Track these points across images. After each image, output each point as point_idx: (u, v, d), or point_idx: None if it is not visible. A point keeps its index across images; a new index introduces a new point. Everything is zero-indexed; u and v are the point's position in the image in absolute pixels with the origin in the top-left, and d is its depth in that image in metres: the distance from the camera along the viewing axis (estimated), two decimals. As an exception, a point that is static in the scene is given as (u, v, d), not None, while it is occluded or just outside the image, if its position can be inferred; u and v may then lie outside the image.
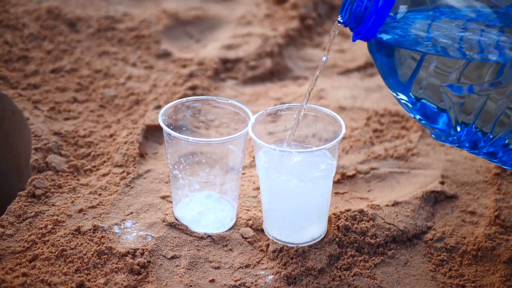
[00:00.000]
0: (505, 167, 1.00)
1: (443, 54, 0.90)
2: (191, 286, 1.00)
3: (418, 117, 0.96)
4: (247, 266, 1.03)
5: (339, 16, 0.93)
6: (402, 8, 0.90)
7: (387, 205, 1.12)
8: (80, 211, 1.10)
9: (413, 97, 0.94)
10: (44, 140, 1.23)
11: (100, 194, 1.14)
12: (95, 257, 1.02)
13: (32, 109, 1.31)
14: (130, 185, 1.16)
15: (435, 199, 1.15)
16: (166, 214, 1.10)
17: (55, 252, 1.02)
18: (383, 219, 1.09)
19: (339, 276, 1.02)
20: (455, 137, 0.95)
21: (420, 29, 0.90)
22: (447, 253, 1.06)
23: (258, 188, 1.16)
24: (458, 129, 0.94)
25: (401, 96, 0.96)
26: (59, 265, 1.01)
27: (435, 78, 0.92)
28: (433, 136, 0.98)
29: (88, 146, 1.25)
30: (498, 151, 0.95)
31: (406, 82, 0.93)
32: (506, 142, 0.94)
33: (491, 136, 0.94)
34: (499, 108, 0.91)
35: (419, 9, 0.90)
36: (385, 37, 0.92)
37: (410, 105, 0.95)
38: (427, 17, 0.90)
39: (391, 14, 0.90)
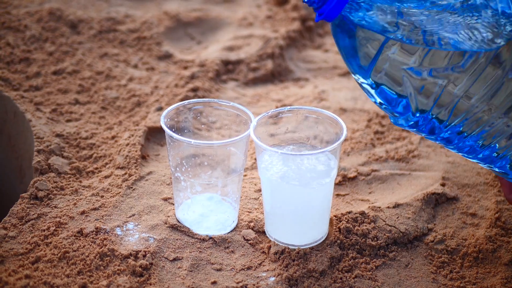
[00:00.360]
0: (461, 154, 1.00)
1: (408, 42, 0.90)
2: (193, 288, 1.00)
3: (379, 101, 0.96)
4: (248, 268, 1.04)
5: None
6: None
7: (388, 207, 1.13)
8: (83, 213, 1.10)
9: (373, 82, 0.94)
10: (46, 142, 1.23)
11: (102, 196, 1.14)
12: (97, 259, 1.02)
13: (34, 111, 1.31)
14: (132, 187, 1.16)
15: (436, 201, 1.15)
16: (168, 216, 1.10)
17: (57, 254, 1.03)
18: (384, 221, 1.09)
19: (341, 278, 1.02)
20: (413, 122, 0.96)
21: (387, 14, 0.90)
22: (448, 255, 1.07)
23: (259, 190, 1.17)
24: (417, 114, 0.95)
25: (362, 80, 0.96)
26: (62, 267, 1.01)
27: (396, 62, 0.92)
28: (392, 120, 0.98)
29: (90, 148, 1.25)
30: (454, 138, 0.96)
31: (367, 66, 0.93)
32: (461, 129, 0.95)
33: (446, 123, 0.95)
34: (455, 96, 0.92)
35: None
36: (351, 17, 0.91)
37: (371, 89, 0.96)
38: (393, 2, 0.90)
39: None
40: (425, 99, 0.93)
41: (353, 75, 0.97)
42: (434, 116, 0.95)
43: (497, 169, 1.00)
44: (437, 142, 1.00)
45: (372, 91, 0.96)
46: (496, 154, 0.97)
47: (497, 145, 0.96)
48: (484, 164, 1.00)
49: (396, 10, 0.91)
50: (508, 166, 0.99)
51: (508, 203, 1.14)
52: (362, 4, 0.91)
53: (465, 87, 0.92)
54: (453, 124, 0.95)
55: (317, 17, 0.91)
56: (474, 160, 1.01)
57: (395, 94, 0.94)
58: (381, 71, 0.93)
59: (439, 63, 0.91)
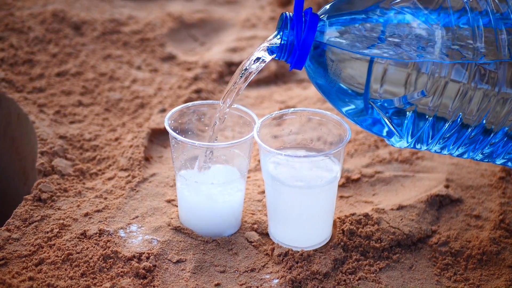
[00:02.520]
0: (478, 156, 1.01)
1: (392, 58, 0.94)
2: (196, 290, 1.00)
3: (385, 130, 0.99)
4: (252, 270, 1.04)
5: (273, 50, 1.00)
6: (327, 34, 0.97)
7: (392, 209, 1.12)
8: (86, 215, 1.10)
9: (370, 103, 0.97)
10: (49, 143, 1.23)
11: (105, 198, 1.14)
12: (101, 261, 1.02)
13: (37, 113, 1.31)
14: (135, 189, 1.16)
15: (440, 203, 1.15)
16: (172, 218, 1.10)
17: (61, 256, 1.03)
18: (388, 223, 1.09)
19: (344, 280, 1.02)
20: (417, 136, 0.98)
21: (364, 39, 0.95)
22: (452, 257, 1.07)
23: (263, 192, 1.17)
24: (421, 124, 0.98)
25: (360, 116, 1.00)
26: (65, 269, 1.01)
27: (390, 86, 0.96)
28: (392, 143, 1.01)
29: (94, 149, 1.25)
30: (458, 133, 0.98)
31: (363, 92, 0.96)
32: (460, 120, 0.97)
33: (446, 120, 0.97)
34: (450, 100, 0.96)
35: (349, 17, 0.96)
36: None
37: (371, 120, 0.99)
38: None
39: (318, 40, 0.96)
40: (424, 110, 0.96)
41: (352, 119, 1.00)
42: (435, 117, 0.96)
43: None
44: (448, 151, 1.00)
45: (369, 122, 0.99)
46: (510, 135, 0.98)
47: (505, 126, 0.97)
48: (501, 157, 1.01)
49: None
50: None
51: (511, 205, 1.14)
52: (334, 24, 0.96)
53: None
54: (451, 119, 0.96)
55: (290, 66, 0.99)
56: (491, 160, 1.01)
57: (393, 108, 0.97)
58: (381, 86, 0.96)
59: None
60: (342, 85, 0.97)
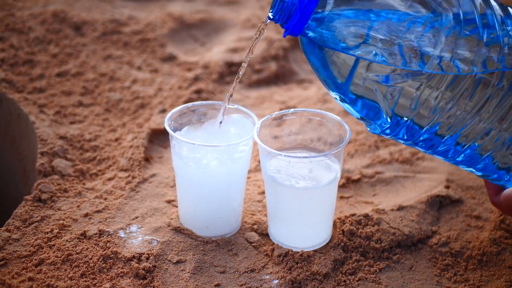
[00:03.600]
0: (447, 160, 1.00)
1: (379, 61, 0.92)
2: (196, 290, 1.00)
3: (359, 116, 0.98)
4: (252, 270, 1.03)
5: (270, 12, 0.96)
6: (331, 6, 0.93)
7: (392, 210, 1.12)
8: (86, 215, 1.10)
9: (353, 95, 0.95)
10: (50, 144, 1.23)
11: (105, 199, 1.14)
12: (100, 262, 1.02)
13: (38, 113, 1.31)
14: (135, 190, 1.16)
15: (440, 204, 1.15)
16: (172, 219, 1.10)
17: (61, 257, 1.03)
18: (388, 223, 1.09)
19: (344, 281, 1.02)
20: (389, 128, 0.97)
21: (355, 31, 0.92)
22: (452, 258, 1.06)
23: (263, 193, 1.17)
24: (389, 120, 0.96)
25: (337, 95, 0.97)
26: (65, 270, 1.01)
27: (374, 72, 0.94)
28: (369, 129, 0.99)
29: (94, 150, 1.25)
30: (433, 140, 0.97)
31: (344, 81, 0.94)
32: (437, 129, 0.96)
33: (422, 126, 0.95)
34: (427, 100, 0.94)
35: (351, 9, 0.93)
36: (312, 34, 0.94)
37: (350, 107, 0.97)
38: (362, 18, 0.92)
39: (319, 10, 0.92)
40: (403, 104, 0.94)
41: (330, 93, 0.98)
42: (411, 120, 0.95)
43: (480, 172, 1.00)
44: (419, 148, 0.99)
45: (351, 108, 0.97)
46: (478, 153, 0.97)
47: (475, 143, 0.96)
48: (468, 167, 1.00)
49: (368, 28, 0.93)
50: (492, 165, 0.99)
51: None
52: (325, 18, 0.93)
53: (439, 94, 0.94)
54: (429, 125, 0.95)
55: (284, 32, 0.95)
56: (461, 166, 1.01)
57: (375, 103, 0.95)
58: (361, 83, 0.94)
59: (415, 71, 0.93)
60: (336, 65, 0.94)
